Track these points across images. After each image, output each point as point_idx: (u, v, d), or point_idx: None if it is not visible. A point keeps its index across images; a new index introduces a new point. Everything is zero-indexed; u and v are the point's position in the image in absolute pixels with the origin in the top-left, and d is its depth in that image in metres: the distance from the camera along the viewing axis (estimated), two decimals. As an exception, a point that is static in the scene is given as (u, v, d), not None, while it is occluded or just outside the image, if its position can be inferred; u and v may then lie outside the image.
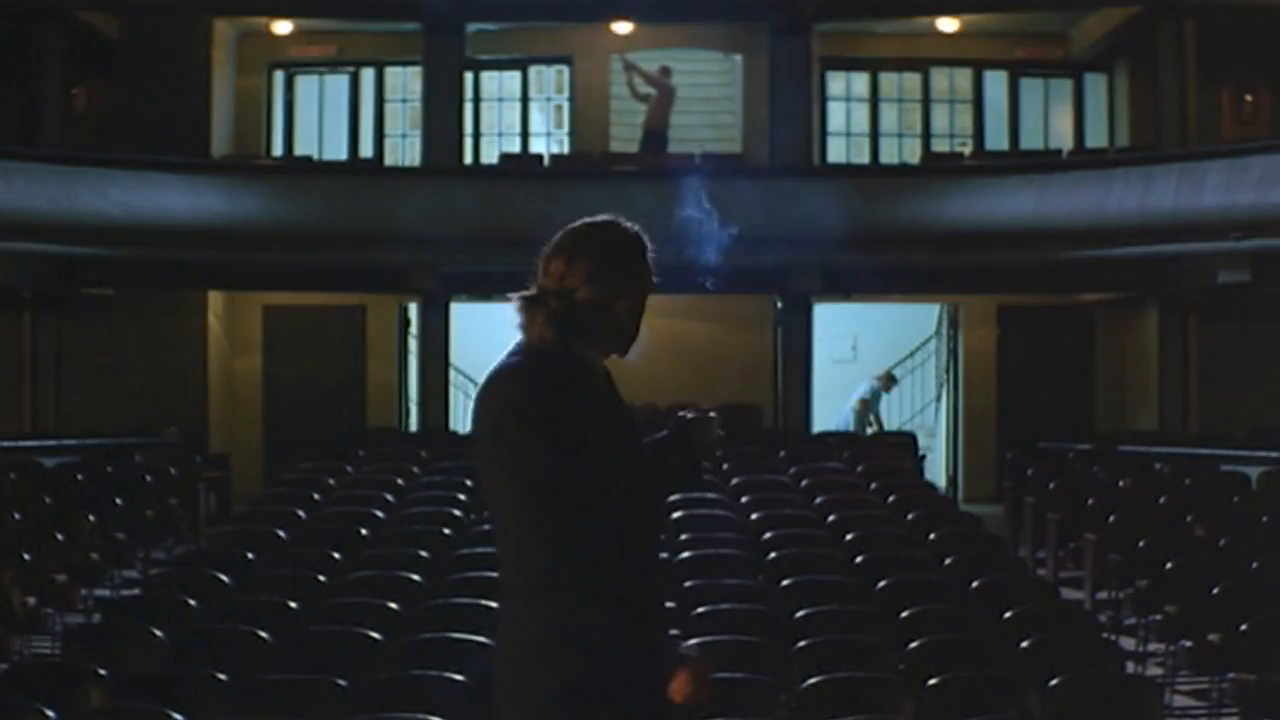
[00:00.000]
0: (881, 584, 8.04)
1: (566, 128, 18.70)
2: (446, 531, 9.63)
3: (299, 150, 18.27)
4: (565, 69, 18.62)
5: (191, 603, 7.44)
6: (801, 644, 6.62)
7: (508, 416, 2.97)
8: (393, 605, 7.27)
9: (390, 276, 16.13)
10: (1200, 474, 12.81)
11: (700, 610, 7.30)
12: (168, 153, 15.78)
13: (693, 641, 2.98)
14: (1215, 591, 8.15)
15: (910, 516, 10.38)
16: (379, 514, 10.40)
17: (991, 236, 15.36)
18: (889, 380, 18.53)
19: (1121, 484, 12.29)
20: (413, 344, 17.99)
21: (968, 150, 18.08)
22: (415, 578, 8.02)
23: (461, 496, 11.17)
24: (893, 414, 19.21)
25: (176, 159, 15.73)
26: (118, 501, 11.32)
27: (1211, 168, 14.49)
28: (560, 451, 2.94)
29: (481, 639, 6.35)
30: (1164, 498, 11.50)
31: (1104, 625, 9.18)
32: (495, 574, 3.21)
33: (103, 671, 5.86)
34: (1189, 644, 7.88)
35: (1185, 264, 15.61)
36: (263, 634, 6.60)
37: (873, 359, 19.24)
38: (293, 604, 7.34)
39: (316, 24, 18.01)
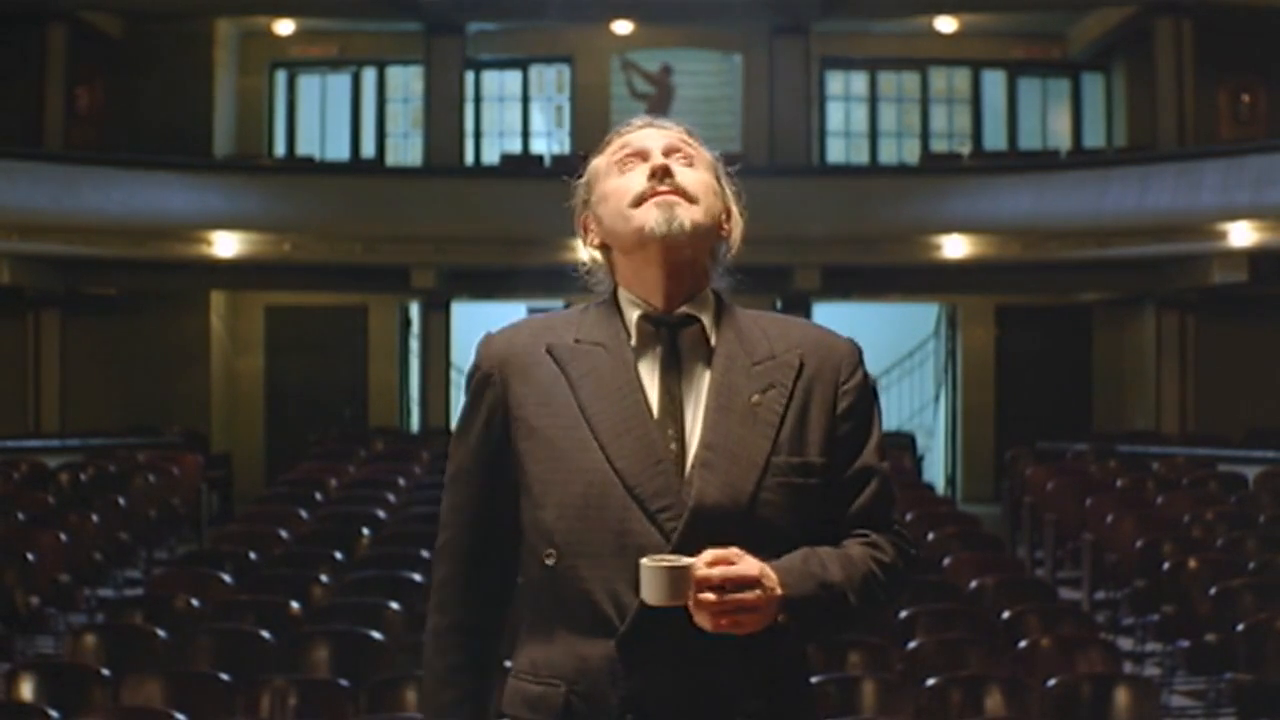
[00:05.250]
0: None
1: (566, 128, 18.73)
2: (447, 531, 9.64)
3: (301, 150, 18.31)
4: (565, 69, 18.65)
5: (193, 602, 7.47)
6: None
7: None
8: (393, 605, 7.29)
9: (391, 276, 16.17)
10: (1197, 474, 12.85)
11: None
12: (170, 152, 15.84)
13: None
14: (1212, 592, 8.17)
15: (909, 517, 10.40)
16: (380, 514, 10.44)
17: (990, 236, 15.41)
18: None
19: (1119, 484, 12.31)
20: (414, 344, 18.03)
21: (966, 150, 18.11)
22: (416, 578, 8.04)
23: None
24: (891, 414, 19.24)
25: (179, 159, 15.79)
26: (120, 501, 11.35)
27: (1209, 168, 14.54)
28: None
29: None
30: (1161, 498, 11.53)
31: (1102, 625, 9.22)
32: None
33: (105, 671, 5.88)
34: (1186, 644, 7.92)
35: (1183, 264, 15.65)
36: (263, 634, 6.62)
37: (871, 359, 19.13)
38: (293, 604, 7.37)
39: (318, 24, 18.05)
